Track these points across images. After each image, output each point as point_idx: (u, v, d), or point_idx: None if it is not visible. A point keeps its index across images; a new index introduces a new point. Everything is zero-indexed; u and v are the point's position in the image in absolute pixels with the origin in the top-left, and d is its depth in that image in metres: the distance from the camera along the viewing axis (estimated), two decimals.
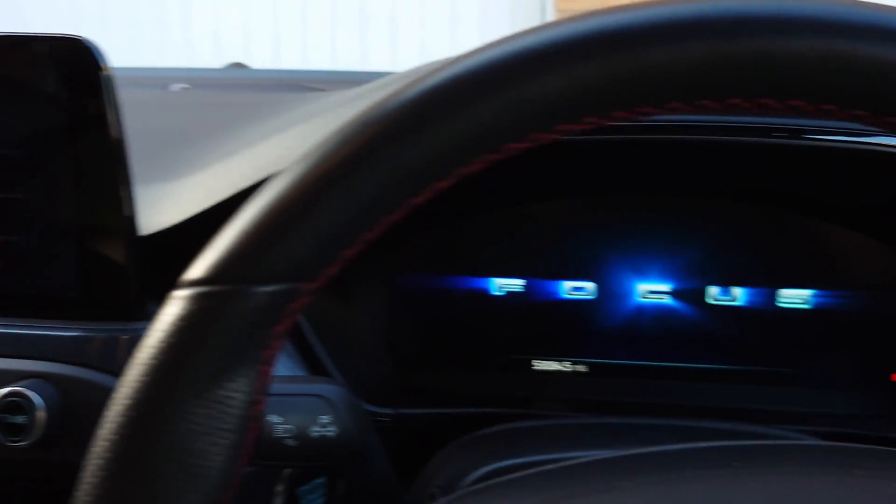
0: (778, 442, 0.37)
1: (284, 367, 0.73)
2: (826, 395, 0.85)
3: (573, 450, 0.63)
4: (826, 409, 0.85)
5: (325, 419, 0.58)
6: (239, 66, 1.41)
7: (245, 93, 1.14)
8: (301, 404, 0.58)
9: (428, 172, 0.31)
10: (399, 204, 0.32)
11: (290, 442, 0.57)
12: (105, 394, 0.65)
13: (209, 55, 4.52)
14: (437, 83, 0.30)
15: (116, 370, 0.67)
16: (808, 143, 0.71)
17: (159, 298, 0.32)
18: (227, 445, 0.32)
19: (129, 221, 0.67)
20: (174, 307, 0.31)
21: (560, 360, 0.84)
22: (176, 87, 1.13)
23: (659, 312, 0.83)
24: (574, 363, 0.84)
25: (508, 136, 0.30)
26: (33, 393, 0.65)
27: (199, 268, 0.31)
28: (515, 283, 0.83)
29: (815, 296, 0.81)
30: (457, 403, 0.79)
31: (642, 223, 0.83)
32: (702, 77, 0.28)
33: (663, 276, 0.83)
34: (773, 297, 0.82)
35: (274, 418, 0.57)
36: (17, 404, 0.64)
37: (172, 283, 0.31)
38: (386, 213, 0.32)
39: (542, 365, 0.84)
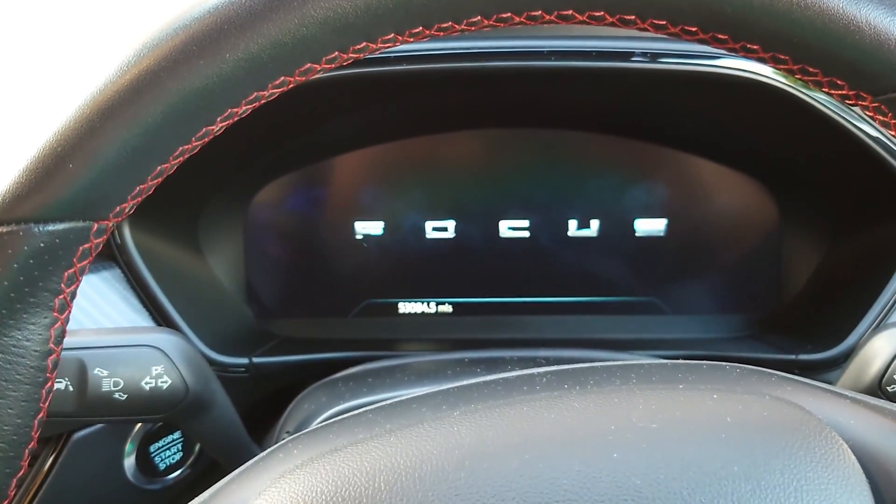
0: (607, 363, 0.37)
1: (128, 320, 0.70)
2: (687, 320, 0.87)
3: (423, 385, 0.63)
4: (688, 334, 0.87)
5: (157, 370, 0.55)
6: None
7: None
8: (130, 356, 0.55)
9: (221, 97, 0.29)
10: (194, 132, 0.30)
11: (119, 395, 0.54)
12: None
13: None
14: (218, 4, 0.29)
15: None
16: (665, 67, 0.71)
17: None
18: (19, 398, 0.30)
19: None
20: None
21: (424, 301, 0.84)
22: None
23: (520, 248, 0.83)
24: (438, 304, 0.84)
25: (300, 58, 0.29)
26: None
27: None
28: (375, 226, 0.82)
29: (669, 225, 0.83)
30: (320, 349, 0.78)
31: (500, 159, 0.83)
32: None
33: (523, 211, 0.82)
34: (630, 227, 0.83)
35: (100, 372, 0.54)
36: None
37: None
38: (180, 142, 0.30)
39: (406, 307, 0.84)
